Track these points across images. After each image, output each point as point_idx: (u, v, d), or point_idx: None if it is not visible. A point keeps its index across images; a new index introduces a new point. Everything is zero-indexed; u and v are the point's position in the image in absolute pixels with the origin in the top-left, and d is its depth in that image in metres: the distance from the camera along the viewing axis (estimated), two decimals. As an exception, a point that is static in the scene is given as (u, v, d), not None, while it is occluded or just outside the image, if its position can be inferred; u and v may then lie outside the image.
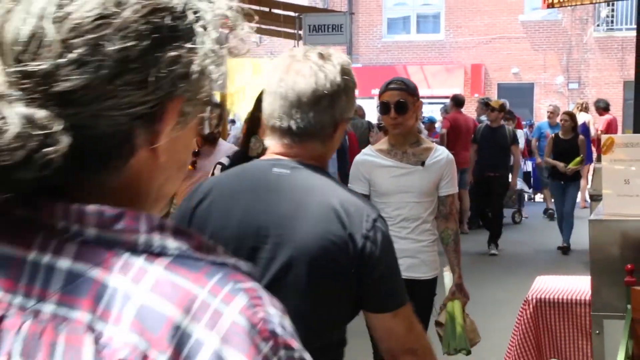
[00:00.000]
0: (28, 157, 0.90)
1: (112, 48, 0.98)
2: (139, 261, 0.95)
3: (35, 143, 0.91)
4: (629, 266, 3.77)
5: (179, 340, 0.91)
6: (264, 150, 3.59)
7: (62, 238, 0.96)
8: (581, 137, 12.33)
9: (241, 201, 2.51)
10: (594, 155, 14.86)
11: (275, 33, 16.58)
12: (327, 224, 2.43)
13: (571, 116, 12.46)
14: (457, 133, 13.56)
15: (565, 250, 12.17)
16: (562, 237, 12.33)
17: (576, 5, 14.87)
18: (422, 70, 27.25)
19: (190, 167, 5.68)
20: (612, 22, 27.25)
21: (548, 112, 15.84)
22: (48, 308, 0.94)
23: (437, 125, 17.06)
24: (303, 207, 2.48)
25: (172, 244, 0.97)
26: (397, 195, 4.60)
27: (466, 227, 13.47)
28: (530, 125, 19.25)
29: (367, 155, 4.76)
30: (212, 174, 4.51)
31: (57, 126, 0.92)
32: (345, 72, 2.57)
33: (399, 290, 2.55)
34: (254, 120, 4.33)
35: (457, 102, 15.13)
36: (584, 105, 17.01)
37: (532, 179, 17.66)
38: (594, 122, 16.85)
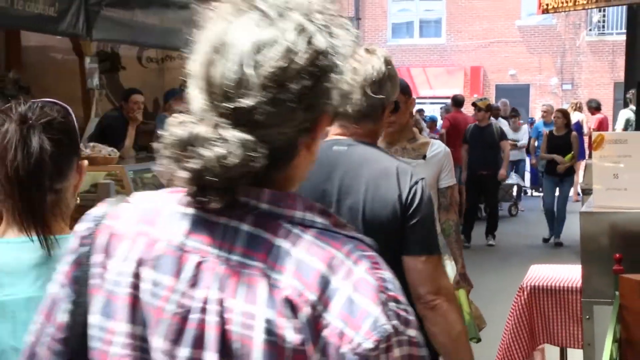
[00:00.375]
0: (244, 166, 1.28)
1: (295, 87, 1.32)
2: (295, 230, 1.33)
3: (250, 160, 1.29)
4: (617, 255, 3.76)
5: (324, 286, 1.28)
6: None
7: (244, 210, 1.34)
8: (574, 133, 12.36)
9: (309, 177, 2.68)
10: (587, 152, 14.87)
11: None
12: (381, 185, 2.86)
13: (564, 113, 12.47)
14: (457, 131, 13.56)
15: (547, 241, 12.43)
16: (548, 230, 12.44)
17: (569, 10, 14.82)
18: (425, 72, 27.37)
19: None
20: (603, 26, 27.32)
21: (542, 111, 15.84)
22: (235, 258, 1.33)
23: (439, 123, 17.13)
24: (359, 174, 2.89)
25: (319, 220, 1.35)
26: None
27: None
28: (531, 123, 19.29)
29: None
30: None
31: (261, 149, 1.29)
32: (388, 62, 3.05)
33: (432, 241, 2.92)
34: None
35: (457, 102, 15.19)
36: (577, 105, 17.06)
37: (530, 174, 17.76)
38: (587, 120, 16.91)
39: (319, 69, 1.33)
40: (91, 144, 7.35)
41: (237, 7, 1.36)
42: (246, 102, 1.29)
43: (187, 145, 1.31)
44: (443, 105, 18.80)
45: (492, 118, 13.25)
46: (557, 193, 12.36)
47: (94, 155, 7.12)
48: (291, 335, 1.27)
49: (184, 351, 1.32)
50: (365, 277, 1.29)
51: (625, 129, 13.29)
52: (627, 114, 13.99)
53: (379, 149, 3.10)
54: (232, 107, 1.30)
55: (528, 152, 16.34)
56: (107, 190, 6.24)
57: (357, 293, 1.28)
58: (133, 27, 9.20)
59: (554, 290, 4.96)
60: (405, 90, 4.29)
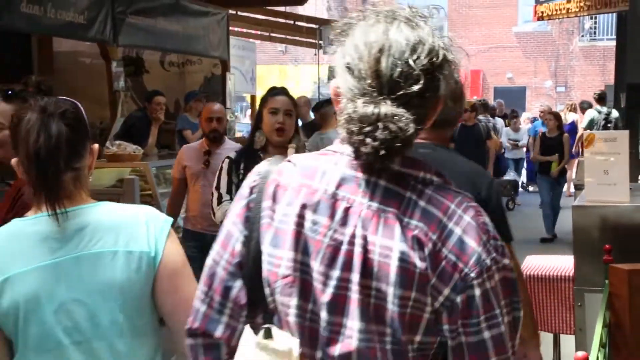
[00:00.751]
0: (412, 137, 1.61)
1: (439, 76, 1.68)
2: (419, 186, 1.70)
3: (415, 134, 1.62)
4: (607, 246, 3.78)
5: (442, 229, 1.65)
6: (266, 144, 4.12)
7: (381, 170, 1.68)
8: (566, 135, 12.34)
9: None
10: (580, 150, 14.86)
11: (299, 43, 16.58)
12: (466, 184, 2.73)
13: (555, 116, 12.45)
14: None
15: (548, 240, 12.21)
16: (545, 230, 12.34)
17: (563, 18, 14.78)
18: (428, 74, 27.45)
19: (203, 166, 5.60)
20: (594, 33, 27.32)
21: (540, 111, 15.84)
22: (374, 205, 1.67)
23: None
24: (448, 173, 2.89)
25: (436, 179, 1.72)
26: None
27: None
28: (532, 121, 19.37)
29: None
30: (221, 168, 4.35)
31: (417, 125, 1.62)
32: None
33: (503, 228, 2.86)
34: (259, 117, 4.24)
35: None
36: (572, 106, 17.04)
37: (526, 171, 17.80)
38: (581, 121, 16.93)
39: (447, 63, 1.69)
40: (117, 142, 7.36)
41: (385, 17, 1.71)
42: (413, 88, 1.60)
43: (377, 121, 1.59)
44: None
45: (488, 117, 13.22)
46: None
47: (119, 153, 7.14)
48: (418, 263, 1.62)
49: (335, 273, 1.67)
50: (471, 222, 1.66)
51: (590, 128, 13.30)
52: (592, 114, 14.15)
53: (454, 152, 3.34)
54: (401, 93, 1.60)
55: (527, 150, 16.38)
56: (132, 185, 6.26)
57: (466, 235, 1.64)
58: (156, 34, 9.22)
59: (547, 279, 4.96)
60: None
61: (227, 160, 4.29)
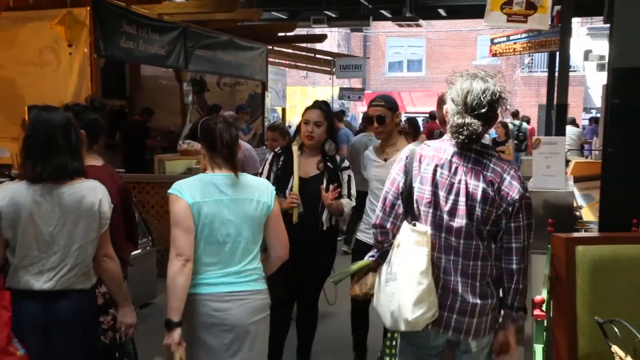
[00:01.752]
0: (483, 133, 2.50)
1: (496, 106, 2.51)
2: (489, 156, 2.55)
3: (484, 132, 2.51)
4: (550, 220, 3.80)
5: (501, 177, 2.50)
6: (302, 145, 3.98)
7: (471, 149, 2.57)
8: (511, 140, 12.25)
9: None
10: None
11: (317, 70, 16.49)
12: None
13: (503, 125, 12.35)
14: (432, 136, 13.46)
15: None
16: None
17: (510, 55, 14.72)
18: (410, 96, 27.29)
19: None
20: (531, 66, 27.23)
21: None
22: (469, 166, 2.55)
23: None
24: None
25: (495, 154, 2.57)
26: (373, 182, 4.01)
27: None
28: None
29: (369, 152, 4.20)
30: (267, 159, 4.08)
31: (485, 128, 2.50)
32: None
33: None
34: (299, 124, 4.00)
35: (432, 116, 15.05)
36: (526, 120, 16.98)
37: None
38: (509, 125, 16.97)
39: (501, 98, 2.53)
40: (187, 141, 7.38)
41: (469, 76, 2.55)
42: (482, 111, 2.48)
43: (463, 126, 2.48)
44: (423, 118, 18.69)
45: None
46: None
47: (188, 149, 7.15)
48: (490, 192, 2.52)
49: (452, 197, 2.54)
50: (514, 175, 2.54)
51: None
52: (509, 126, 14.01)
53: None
54: (476, 112, 2.47)
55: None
56: (197, 172, 6.23)
57: (513, 180, 2.53)
58: (215, 62, 9.22)
59: None
60: (392, 107, 3.98)
61: (270, 155, 4.09)
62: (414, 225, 2.61)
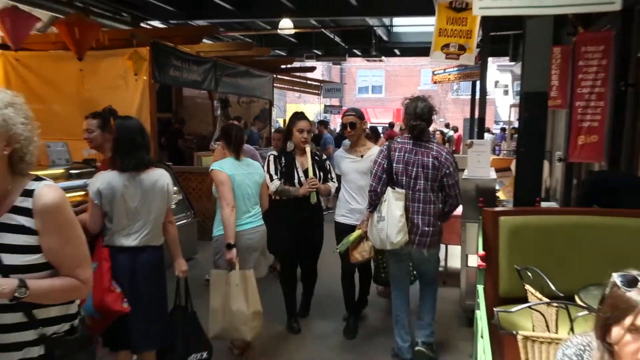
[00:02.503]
0: (424, 130, 3.23)
1: (431, 114, 3.23)
2: (432, 144, 3.18)
3: (424, 128, 3.27)
4: (480, 199, 3.81)
5: (439, 153, 3.16)
6: (294, 147, 3.79)
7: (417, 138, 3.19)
8: (447, 144, 12.25)
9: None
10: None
11: (308, 92, 16.36)
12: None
13: (441, 133, 12.40)
14: (390, 140, 13.48)
15: None
16: None
17: (445, 82, 14.77)
18: (374, 111, 27.14)
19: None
20: (459, 90, 27.22)
21: (432, 131, 15.77)
22: (421, 150, 3.11)
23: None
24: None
25: (436, 141, 3.19)
26: (351, 174, 3.77)
27: None
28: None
29: (340, 152, 3.93)
30: (268, 160, 3.78)
31: (424, 128, 3.16)
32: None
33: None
34: (289, 132, 3.76)
35: (391, 125, 15.18)
36: (455, 129, 17.03)
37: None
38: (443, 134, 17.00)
39: (434, 111, 3.03)
40: (217, 142, 7.32)
41: (416, 98, 3.14)
42: (424, 117, 3.03)
43: (415, 127, 3.00)
44: (383, 127, 18.72)
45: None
46: None
47: (218, 148, 7.10)
48: (436, 163, 3.03)
49: (414, 169, 3.05)
50: (448, 152, 3.02)
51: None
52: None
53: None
54: (421, 118, 3.03)
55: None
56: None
57: (448, 155, 3.15)
58: (236, 86, 9.11)
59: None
60: (361, 116, 3.81)
61: (271, 157, 3.78)
62: (394, 188, 3.19)
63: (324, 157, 3.96)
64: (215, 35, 10.64)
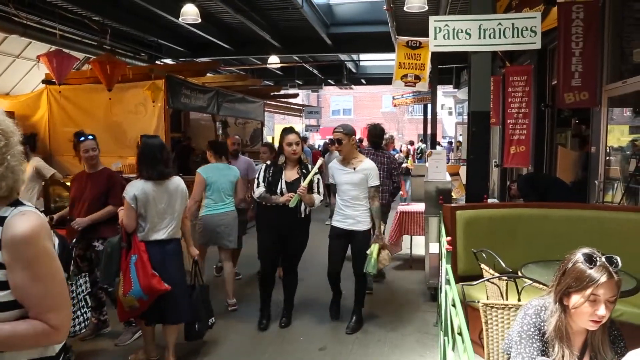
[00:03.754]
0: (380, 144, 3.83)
1: (383, 134, 4.33)
2: (385, 152, 4.19)
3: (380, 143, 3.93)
4: (440, 197, 3.84)
5: (391, 158, 4.11)
6: (285, 160, 3.42)
7: None
8: (411, 156, 12.25)
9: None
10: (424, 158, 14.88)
11: (291, 115, 16.38)
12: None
13: (406, 150, 12.42)
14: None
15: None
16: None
17: (403, 105, 15.00)
18: (344, 129, 27.27)
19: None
20: (413, 111, 27.54)
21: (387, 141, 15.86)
22: (379, 156, 4.05)
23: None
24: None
25: (385, 150, 4.06)
26: (345, 185, 3.43)
27: None
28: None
29: (334, 164, 3.55)
30: (260, 169, 3.46)
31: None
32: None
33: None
34: (280, 147, 3.42)
35: (361, 140, 15.07)
36: (421, 141, 17.12)
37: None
38: (407, 148, 16.93)
39: (384, 132, 2.97)
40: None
41: (373, 123, 4.05)
42: (379, 135, 4.27)
43: (375, 142, 4.05)
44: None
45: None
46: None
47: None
48: (390, 162, 4.22)
49: (380, 166, 3.72)
50: (393, 156, 3.97)
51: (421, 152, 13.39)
52: (419, 145, 14.07)
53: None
54: (378, 137, 3.96)
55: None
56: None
57: (392, 158, 4.08)
58: (234, 110, 9.05)
59: (414, 213, 4.92)
60: (349, 133, 3.48)
61: (264, 166, 3.46)
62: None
63: (316, 171, 3.47)
64: (217, 70, 10.62)
